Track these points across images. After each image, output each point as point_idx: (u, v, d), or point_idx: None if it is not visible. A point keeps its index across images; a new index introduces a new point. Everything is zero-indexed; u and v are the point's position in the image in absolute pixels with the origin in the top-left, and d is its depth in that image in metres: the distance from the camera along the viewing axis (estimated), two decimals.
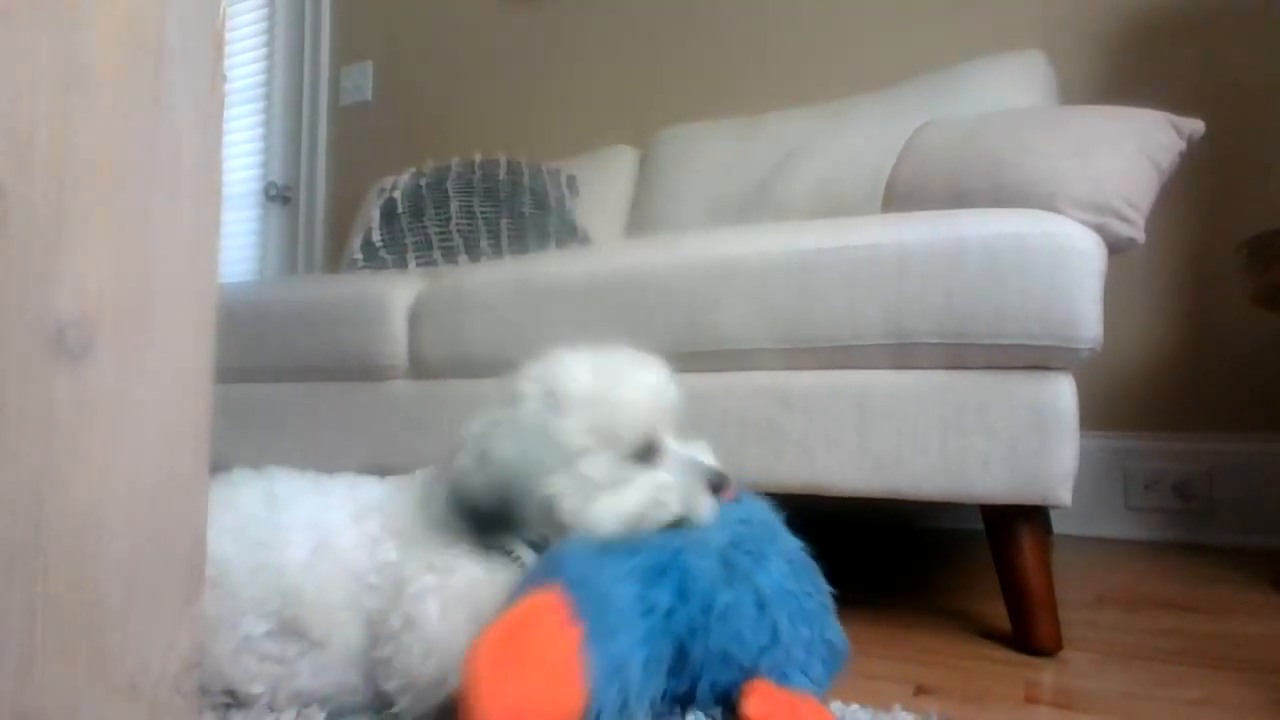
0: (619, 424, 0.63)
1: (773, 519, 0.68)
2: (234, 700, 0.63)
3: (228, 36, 0.41)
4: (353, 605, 0.63)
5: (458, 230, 1.71)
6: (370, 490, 0.71)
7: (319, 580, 0.63)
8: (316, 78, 2.70)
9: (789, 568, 0.63)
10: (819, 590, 0.65)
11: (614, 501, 0.62)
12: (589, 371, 0.65)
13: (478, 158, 1.80)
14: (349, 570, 0.64)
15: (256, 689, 0.63)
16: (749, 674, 0.58)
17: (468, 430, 0.67)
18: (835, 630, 0.64)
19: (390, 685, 0.59)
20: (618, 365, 0.67)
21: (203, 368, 0.40)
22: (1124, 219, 0.92)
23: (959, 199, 1.00)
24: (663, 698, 0.57)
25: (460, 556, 0.62)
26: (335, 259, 2.52)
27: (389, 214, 1.77)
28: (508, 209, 1.72)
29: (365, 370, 1.29)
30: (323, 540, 0.65)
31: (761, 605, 0.60)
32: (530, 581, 0.55)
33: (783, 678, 0.59)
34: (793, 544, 0.67)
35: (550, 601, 0.52)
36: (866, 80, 1.73)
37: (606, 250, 1.15)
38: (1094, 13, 1.62)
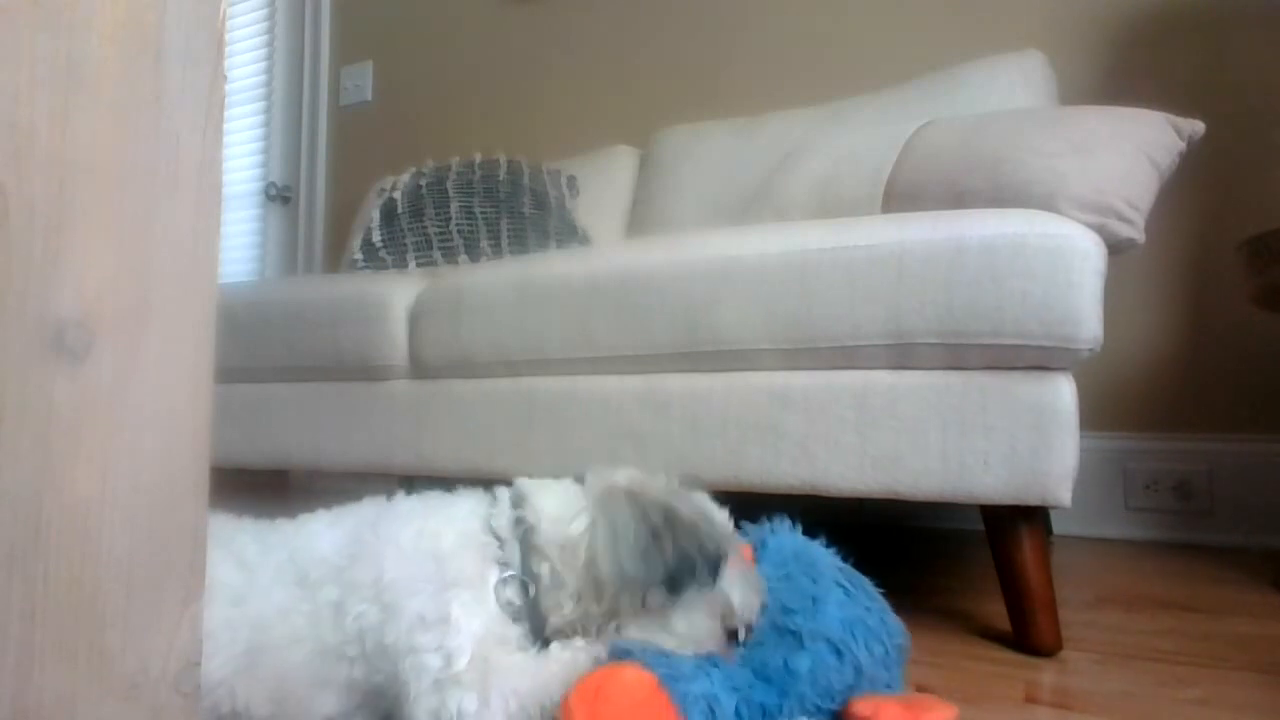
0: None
1: (801, 546, 0.67)
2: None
3: (228, 36, 0.41)
4: (329, 677, 0.60)
5: (458, 230, 1.70)
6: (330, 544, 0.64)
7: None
8: (316, 78, 2.70)
9: (842, 592, 0.62)
10: (872, 595, 0.64)
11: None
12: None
13: (478, 158, 1.80)
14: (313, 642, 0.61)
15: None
16: (841, 702, 0.59)
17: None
18: (897, 625, 0.63)
19: None
20: None
21: (203, 368, 0.40)
22: (1124, 219, 0.92)
23: (959, 199, 1.00)
24: None
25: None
26: (335, 259, 2.52)
27: (389, 214, 1.77)
28: (508, 209, 1.72)
29: (365, 370, 1.29)
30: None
31: (839, 652, 0.59)
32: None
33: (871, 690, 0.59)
34: (829, 561, 0.65)
35: (618, 665, 0.53)
36: (866, 80, 1.73)
37: (606, 250, 1.15)
38: (1094, 13, 1.62)
